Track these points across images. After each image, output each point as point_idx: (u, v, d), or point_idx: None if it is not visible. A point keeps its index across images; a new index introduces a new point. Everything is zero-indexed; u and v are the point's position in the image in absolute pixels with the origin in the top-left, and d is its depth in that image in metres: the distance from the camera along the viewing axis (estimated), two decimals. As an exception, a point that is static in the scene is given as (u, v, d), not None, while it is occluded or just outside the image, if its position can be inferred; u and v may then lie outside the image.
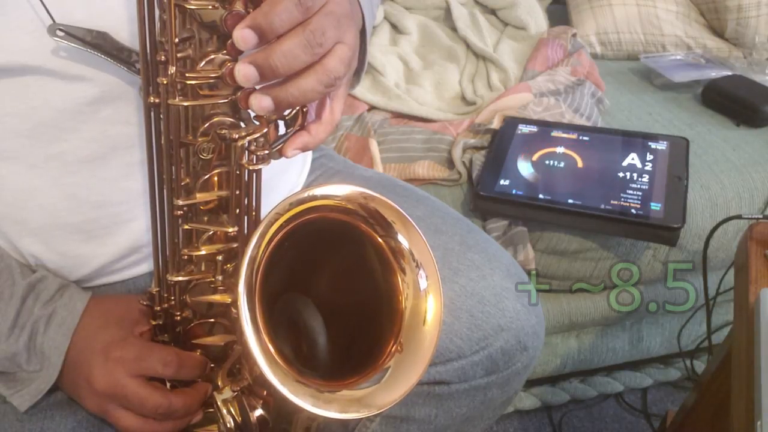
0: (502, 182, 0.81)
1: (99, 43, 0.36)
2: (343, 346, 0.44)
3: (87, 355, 0.42)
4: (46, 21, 0.36)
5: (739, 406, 0.50)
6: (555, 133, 0.88)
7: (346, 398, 0.37)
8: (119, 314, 0.44)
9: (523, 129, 0.89)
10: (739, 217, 0.65)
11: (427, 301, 0.40)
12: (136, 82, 0.40)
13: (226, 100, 0.36)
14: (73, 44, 0.36)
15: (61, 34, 0.36)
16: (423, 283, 0.40)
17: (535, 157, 0.85)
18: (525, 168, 0.84)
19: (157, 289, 0.43)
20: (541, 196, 0.79)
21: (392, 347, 0.40)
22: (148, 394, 0.42)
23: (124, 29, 0.38)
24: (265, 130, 0.36)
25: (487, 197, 0.80)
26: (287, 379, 0.34)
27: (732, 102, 0.99)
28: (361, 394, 0.37)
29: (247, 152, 0.37)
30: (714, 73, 1.05)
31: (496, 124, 0.91)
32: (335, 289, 0.45)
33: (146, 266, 0.49)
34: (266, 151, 0.37)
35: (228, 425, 0.42)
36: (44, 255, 0.45)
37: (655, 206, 0.77)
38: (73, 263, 0.46)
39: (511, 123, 0.90)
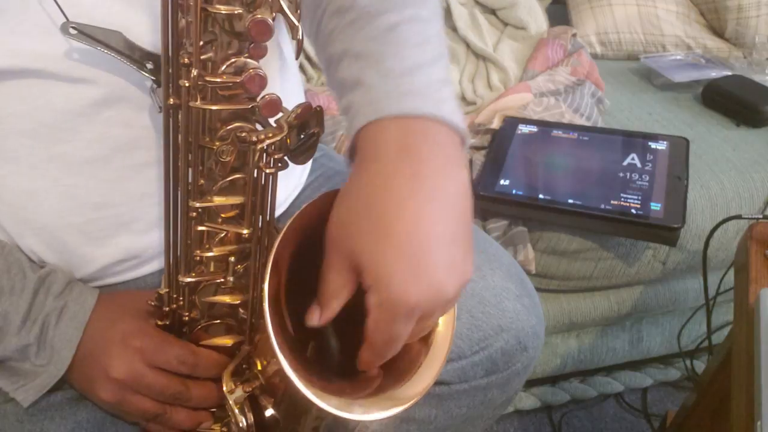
0: (502, 182, 0.81)
1: (111, 43, 0.36)
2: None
3: (104, 345, 0.42)
4: (51, 24, 0.36)
5: (739, 406, 0.50)
6: (555, 133, 0.88)
7: (370, 399, 0.37)
8: (133, 306, 0.45)
9: (523, 129, 0.89)
10: (739, 217, 0.65)
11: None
12: (139, 83, 0.40)
13: (247, 106, 0.36)
14: (85, 43, 0.36)
15: (74, 32, 0.35)
16: None
17: (535, 157, 0.85)
18: (525, 168, 0.84)
19: (167, 289, 0.43)
20: (541, 196, 0.79)
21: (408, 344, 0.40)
22: (168, 381, 0.43)
23: (136, 31, 0.38)
24: (284, 133, 0.36)
25: (487, 197, 0.81)
26: (313, 387, 0.35)
27: (732, 102, 0.99)
28: (381, 392, 0.38)
29: (265, 155, 0.37)
30: (714, 73, 1.05)
31: (496, 124, 0.91)
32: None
33: (148, 268, 0.49)
34: (285, 156, 0.37)
35: (240, 425, 0.42)
36: (46, 255, 0.45)
37: (655, 206, 0.77)
38: (75, 263, 0.46)
39: (511, 123, 0.90)
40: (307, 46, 1.03)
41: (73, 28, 0.35)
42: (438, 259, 0.34)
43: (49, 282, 0.44)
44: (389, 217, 0.34)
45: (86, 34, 0.36)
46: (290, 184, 0.58)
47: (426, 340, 0.40)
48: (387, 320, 0.35)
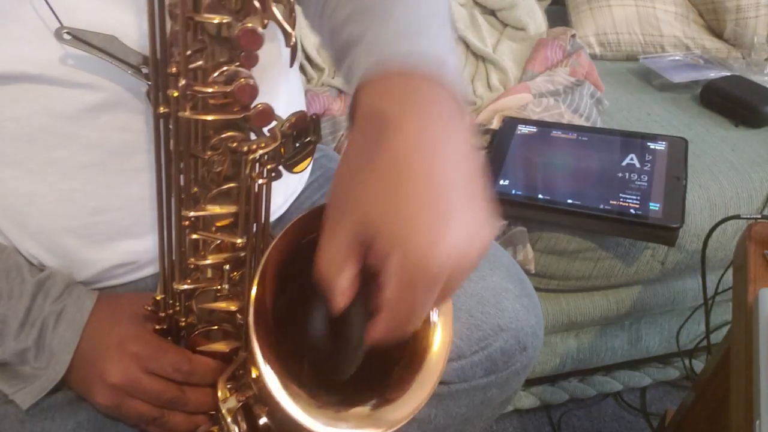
0: (501, 182, 0.81)
1: (106, 47, 0.36)
2: (351, 363, 0.43)
3: (101, 350, 0.42)
4: (48, 29, 0.36)
5: (737, 405, 0.50)
6: (554, 134, 0.89)
7: (357, 416, 0.37)
8: (131, 310, 0.45)
9: (523, 129, 0.89)
10: (737, 217, 0.66)
11: (435, 332, 0.39)
12: (136, 88, 0.40)
13: (238, 116, 0.35)
14: (79, 48, 0.36)
15: (68, 37, 0.35)
16: (434, 314, 0.40)
17: (534, 158, 0.85)
18: (524, 168, 0.84)
19: (162, 296, 0.42)
20: (540, 196, 0.80)
21: (399, 365, 0.39)
22: (164, 386, 0.43)
23: (132, 37, 0.38)
24: (277, 143, 0.35)
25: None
26: (301, 402, 0.34)
27: (730, 102, 0.99)
28: (368, 411, 0.37)
29: (257, 165, 0.36)
30: (713, 74, 1.06)
31: (495, 125, 0.91)
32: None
33: (147, 271, 0.49)
34: (279, 166, 0.36)
35: None
36: (46, 258, 0.45)
37: (654, 206, 0.77)
38: (74, 267, 0.46)
39: (510, 123, 0.91)
40: (308, 46, 1.03)
41: (67, 33, 0.35)
42: (458, 208, 0.30)
43: (48, 286, 0.44)
44: (399, 167, 0.30)
45: (81, 39, 0.35)
46: (289, 186, 0.58)
47: (420, 358, 0.40)
48: (410, 281, 0.30)
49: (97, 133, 0.41)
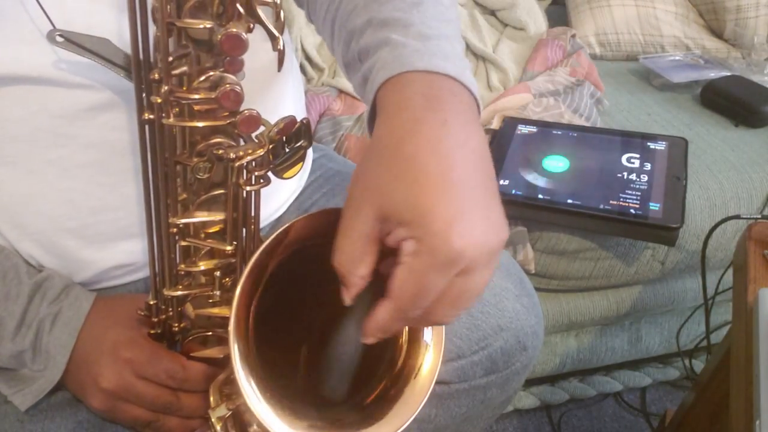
0: (501, 182, 0.81)
1: (99, 50, 0.36)
2: (336, 378, 0.42)
3: (95, 354, 0.42)
4: (45, 32, 0.36)
5: (737, 405, 0.50)
6: (554, 134, 0.89)
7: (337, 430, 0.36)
8: (127, 313, 0.44)
9: (523, 129, 0.89)
10: (737, 217, 0.66)
11: (425, 354, 0.39)
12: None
13: (224, 122, 0.35)
14: (71, 51, 0.35)
15: (61, 40, 0.35)
16: (427, 335, 0.39)
17: (534, 157, 0.85)
18: (524, 168, 0.84)
19: (154, 301, 0.42)
20: (540, 196, 0.80)
21: (384, 383, 0.39)
22: (158, 391, 0.43)
23: (127, 39, 0.38)
24: (265, 150, 0.35)
25: (487, 197, 0.81)
26: (278, 412, 0.34)
27: (731, 102, 0.99)
28: (349, 427, 0.37)
29: (245, 171, 0.35)
30: (713, 74, 1.06)
31: (495, 125, 0.91)
32: (330, 317, 0.43)
33: (146, 272, 0.49)
34: (267, 172, 0.36)
35: None
36: (44, 259, 0.45)
37: (654, 206, 0.77)
38: (73, 267, 0.46)
39: (510, 123, 0.91)
40: (308, 46, 1.03)
41: (59, 35, 0.35)
42: (477, 202, 0.31)
43: (45, 287, 0.44)
44: (422, 159, 0.31)
45: (73, 41, 0.35)
46: (289, 186, 0.58)
47: (407, 380, 0.39)
48: (422, 269, 0.31)
49: (96, 133, 0.41)
